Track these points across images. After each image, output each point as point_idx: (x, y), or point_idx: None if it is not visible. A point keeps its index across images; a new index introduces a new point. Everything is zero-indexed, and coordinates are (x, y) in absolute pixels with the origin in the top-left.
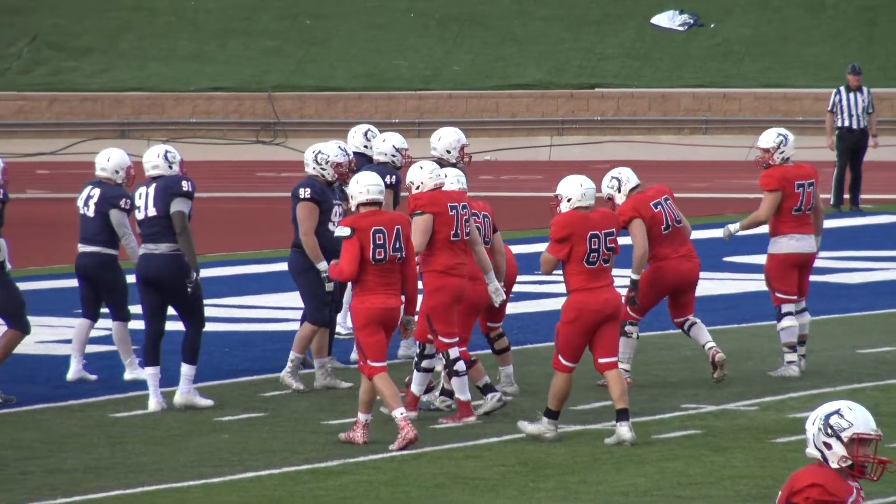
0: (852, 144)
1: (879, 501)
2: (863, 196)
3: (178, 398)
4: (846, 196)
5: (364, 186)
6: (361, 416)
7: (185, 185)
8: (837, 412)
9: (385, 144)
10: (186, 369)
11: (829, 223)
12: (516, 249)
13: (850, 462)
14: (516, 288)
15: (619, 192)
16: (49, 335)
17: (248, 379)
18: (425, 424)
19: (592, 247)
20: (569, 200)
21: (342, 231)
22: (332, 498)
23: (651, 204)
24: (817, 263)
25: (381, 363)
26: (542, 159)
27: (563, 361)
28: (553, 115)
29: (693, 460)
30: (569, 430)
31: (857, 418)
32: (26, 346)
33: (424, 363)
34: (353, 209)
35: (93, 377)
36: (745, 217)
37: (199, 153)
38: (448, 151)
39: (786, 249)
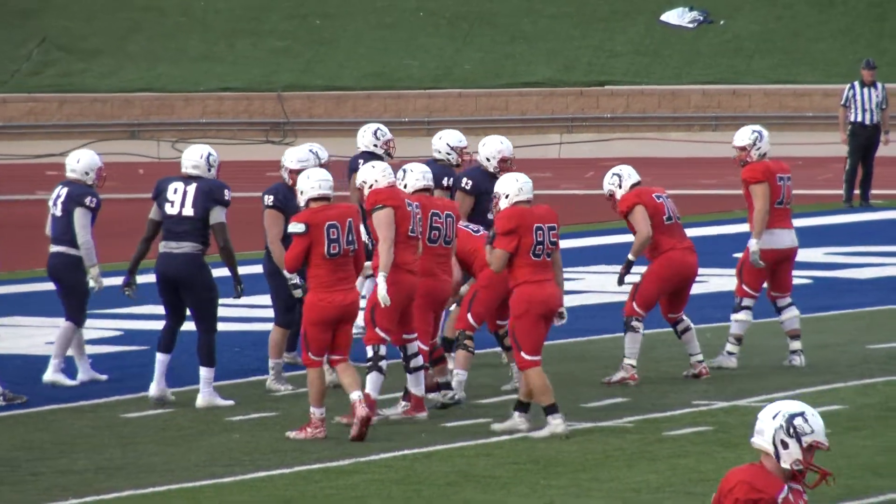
0: (865, 140)
1: (873, 500)
2: (873, 191)
3: (200, 401)
4: (857, 191)
5: (315, 181)
6: (353, 395)
7: (227, 195)
8: (802, 415)
9: (440, 142)
10: (205, 372)
11: (839, 218)
12: None
13: (801, 467)
14: None
15: (620, 188)
16: None
17: (258, 378)
18: (437, 423)
19: (538, 239)
20: (507, 197)
21: (296, 227)
22: (343, 497)
23: (653, 195)
24: (829, 259)
25: (320, 358)
26: (552, 157)
27: (527, 357)
28: (563, 112)
29: (705, 457)
30: (580, 427)
31: (818, 426)
32: (37, 347)
33: (412, 363)
34: (301, 205)
35: (103, 377)
36: (751, 226)
37: None
38: (488, 160)
39: (768, 245)
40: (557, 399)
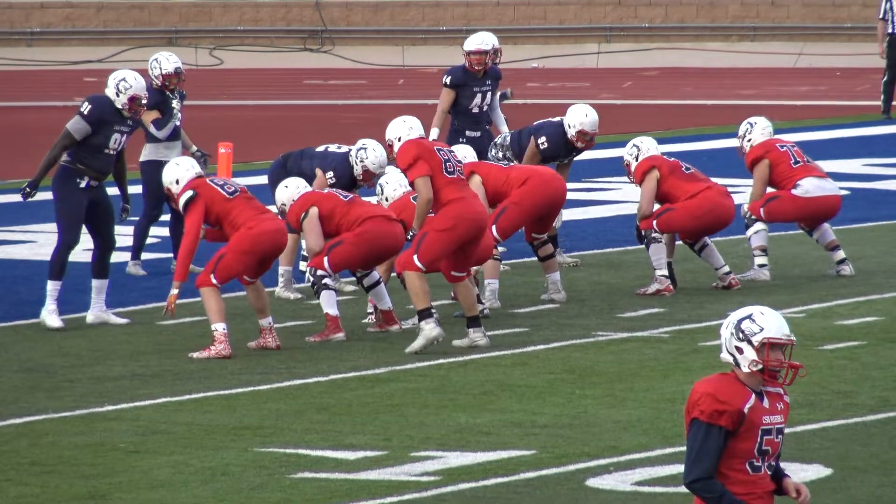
0: None
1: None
2: None
3: (90, 316)
4: (895, 103)
5: (184, 170)
6: (265, 322)
7: (84, 107)
8: (749, 317)
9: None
10: (97, 283)
11: (877, 130)
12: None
13: (760, 366)
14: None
15: (636, 159)
16: None
17: (295, 286)
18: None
19: (444, 157)
20: (399, 139)
21: (186, 195)
22: (379, 405)
23: (665, 157)
24: (866, 170)
25: (221, 283)
26: (590, 67)
27: (418, 263)
28: (601, 21)
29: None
30: (616, 337)
31: (769, 323)
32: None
33: (366, 281)
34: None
35: None
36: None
37: (247, 61)
38: (569, 125)
39: (811, 193)
40: (595, 308)
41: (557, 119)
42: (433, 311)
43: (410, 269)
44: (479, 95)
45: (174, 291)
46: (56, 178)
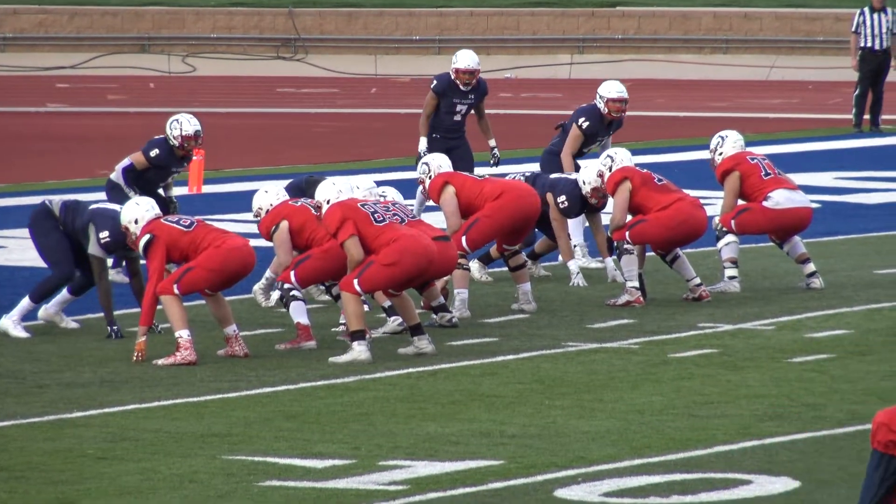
0: (875, 65)
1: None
2: (883, 116)
3: (42, 312)
4: (867, 116)
5: (143, 211)
6: (228, 329)
7: (104, 235)
8: None
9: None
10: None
11: (849, 143)
12: (535, 167)
13: None
14: None
15: (610, 170)
16: None
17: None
18: (442, 342)
19: (370, 210)
20: (328, 202)
21: (144, 238)
22: (348, 413)
23: (637, 167)
24: (838, 183)
25: (182, 295)
26: (563, 77)
27: (357, 288)
28: (574, 33)
29: (709, 379)
30: (585, 347)
31: None
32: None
33: (334, 290)
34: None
35: None
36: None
37: (220, 68)
38: (585, 182)
39: (782, 204)
40: (564, 319)
41: (573, 176)
42: (367, 334)
43: (348, 291)
44: (599, 143)
45: (141, 339)
46: (32, 218)
